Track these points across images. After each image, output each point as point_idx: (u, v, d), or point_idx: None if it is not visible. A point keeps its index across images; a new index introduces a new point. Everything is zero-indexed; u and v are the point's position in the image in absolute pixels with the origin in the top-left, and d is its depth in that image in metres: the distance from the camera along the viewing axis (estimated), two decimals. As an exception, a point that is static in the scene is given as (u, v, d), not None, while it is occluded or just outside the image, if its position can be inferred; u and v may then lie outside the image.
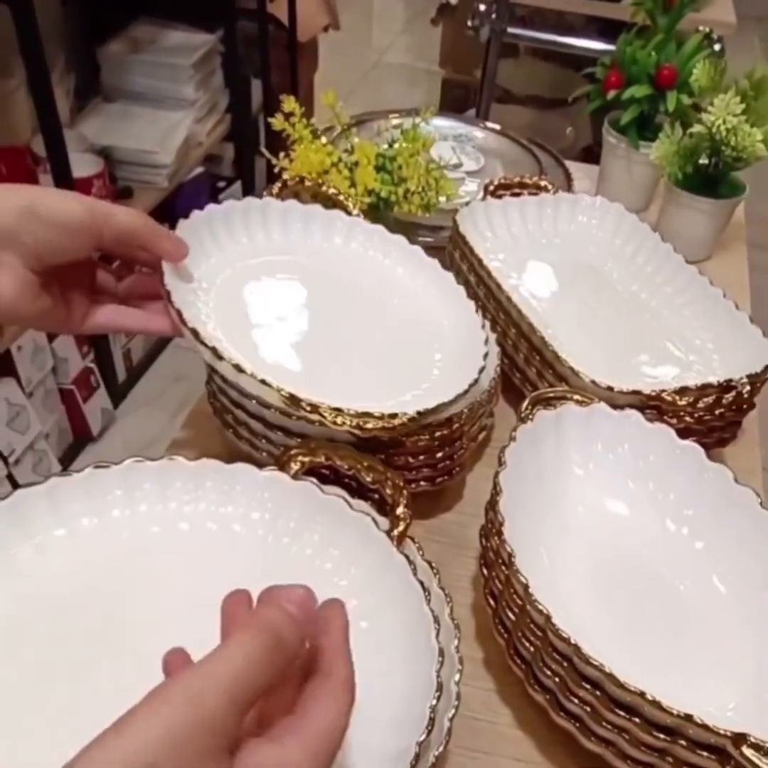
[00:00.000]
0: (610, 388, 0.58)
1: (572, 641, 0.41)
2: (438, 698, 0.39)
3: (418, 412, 0.50)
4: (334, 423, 0.49)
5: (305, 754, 0.29)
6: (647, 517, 0.52)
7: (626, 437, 0.54)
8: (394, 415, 0.50)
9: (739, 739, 0.37)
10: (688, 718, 0.38)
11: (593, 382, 0.58)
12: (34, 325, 0.51)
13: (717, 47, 1.39)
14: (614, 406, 0.56)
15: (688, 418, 0.59)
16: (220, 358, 0.49)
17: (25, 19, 1.30)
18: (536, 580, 0.44)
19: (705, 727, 0.38)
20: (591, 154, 1.76)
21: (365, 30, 3.46)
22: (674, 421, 0.58)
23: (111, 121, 1.79)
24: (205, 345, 0.49)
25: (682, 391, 0.58)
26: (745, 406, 0.61)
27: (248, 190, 2.14)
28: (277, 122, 0.69)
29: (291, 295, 0.61)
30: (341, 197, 0.63)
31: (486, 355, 0.58)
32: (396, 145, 0.70)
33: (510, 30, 1.34)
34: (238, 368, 0.49)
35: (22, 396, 1.47)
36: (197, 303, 0.55)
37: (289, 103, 0.68)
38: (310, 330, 0.59)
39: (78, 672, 0.42)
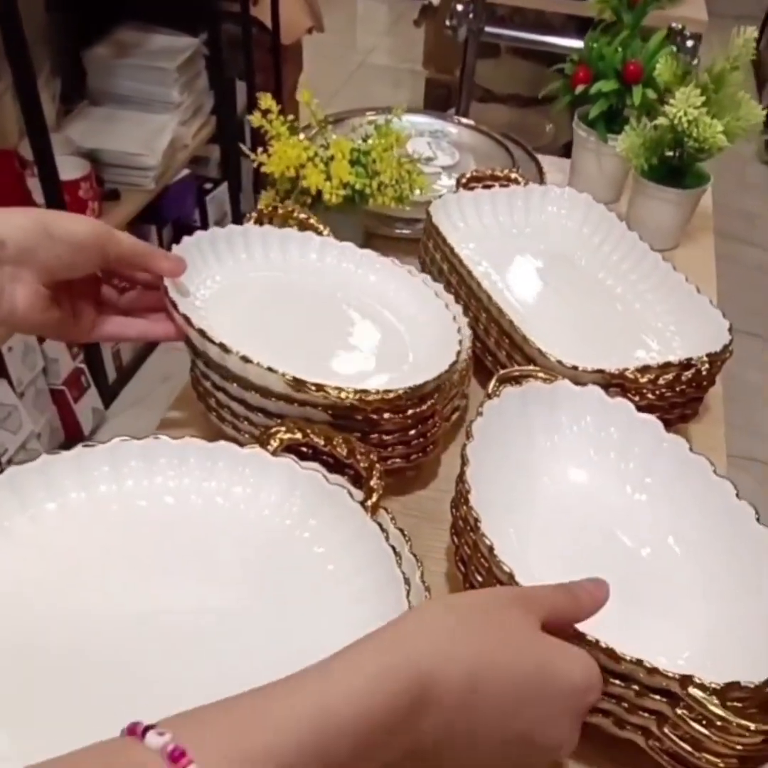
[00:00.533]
0: (575, 367, 0.61)
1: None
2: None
3: (410, 388, 0.55)
4: (339, 398, 0.54)
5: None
6: (609, 484, 0.55)
7: (588, 411, 0.57)
8: (389, 391, 0.55)
9: (686, 680, 0.40)
10: (639, 663, 0.41)
11: (559, 362, 0.61)
12: (46, 333, 0.57)
13: (690, 44, 1.43)
14: (578, 384, 0.59)
15: (649, 396, 0.62)
16: (228, 351, 0.55)
17: (11, 25, 1.33)
18: (503, 545, 0.47)
19: (654, 670, 0.41)
20: (570, 150, 1.79)
21: (349, 32, 3.49)
22: (637, 398, 0.61)
23: (97, 124, 1.81)
24: (213, 342, 0.55)
25: (644, 369, 0.61)
26: (705, 383, 0.64)
27: (235, 192, 2.17)
28: (255, 119, 0.71)
29: (275, 304, 0.66)
30: (312, 221, 0.69)
31: (461, 342, 0.62)
32: (370, 140, 0.73)
33: (487, 29, 1.37)
34: (245, 359, 0.54)
35: (13, 396, 1.49)
36: (197, 312, 0.61)
37: (266, 101, 0.71)
38: (295, 331, 0.65)
39: (70, 641, 0.44)
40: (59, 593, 0.46)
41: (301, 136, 0.77)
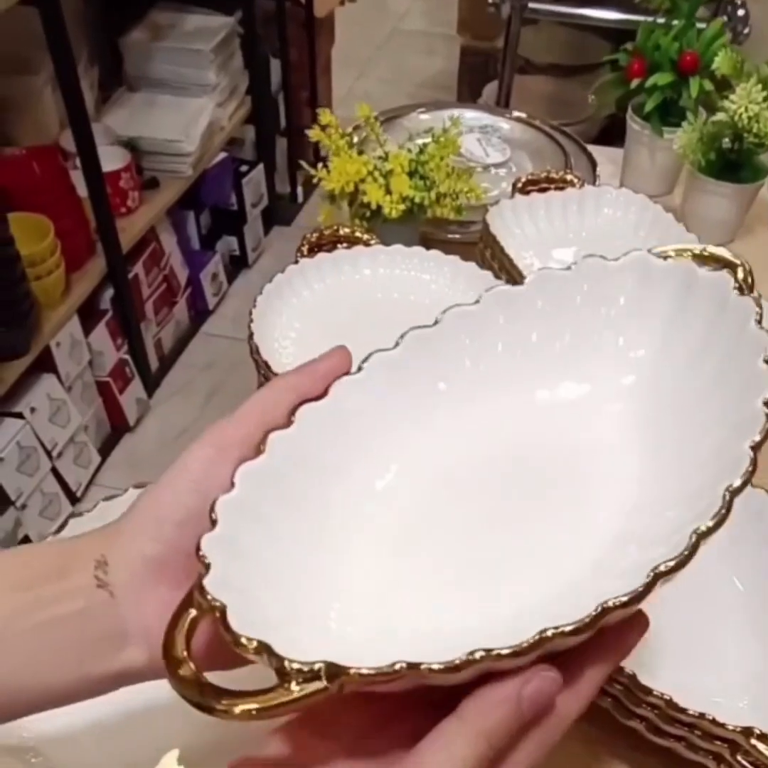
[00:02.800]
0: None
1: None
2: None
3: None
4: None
5: None
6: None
7: None
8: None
9: (747, 732, 0.42)
10: (702, 716, 0.43)
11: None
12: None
13: (740, 13, 1.38)
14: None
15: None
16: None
17: (53, 18, 1.33)
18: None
19: (716, 723, 0.43)
20: (615, 122, 1.75)
21: (380, -2, 3.42)
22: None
23: (135, 111, 1.82)
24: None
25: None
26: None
27: (270, 173, 2.16)
28: (314, 134, 0.72)
29: (348, 323, 0.67)
30: (357, 233, 0.69)
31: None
32: (427, 151, 0.73)
33: (531, 5, 1.35)
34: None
35: (62, 390, 1.53)
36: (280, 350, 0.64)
37: (325, 116, 0.71)
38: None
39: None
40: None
41: (355, 138, 0.77)
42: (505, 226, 0.76)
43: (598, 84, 0.96)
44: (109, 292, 1.65)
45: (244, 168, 2.04)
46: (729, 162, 0.84)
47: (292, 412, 0.33)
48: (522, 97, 1.67)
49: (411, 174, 0.72)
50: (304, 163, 0.72)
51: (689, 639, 0.51)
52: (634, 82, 0.86)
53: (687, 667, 0.50)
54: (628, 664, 0.45)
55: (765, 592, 0.52)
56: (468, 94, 2.41)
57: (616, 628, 0.27)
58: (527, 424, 0.37)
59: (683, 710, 0.44)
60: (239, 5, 1.90)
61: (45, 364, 1.47)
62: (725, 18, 1.33)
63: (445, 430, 0.37)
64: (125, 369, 1.73)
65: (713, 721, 0.43)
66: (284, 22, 2.03)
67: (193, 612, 0.28)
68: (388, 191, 0.70)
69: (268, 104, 2.10)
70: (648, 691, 0.44)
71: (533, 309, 0.38)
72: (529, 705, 0.25)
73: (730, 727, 0.43)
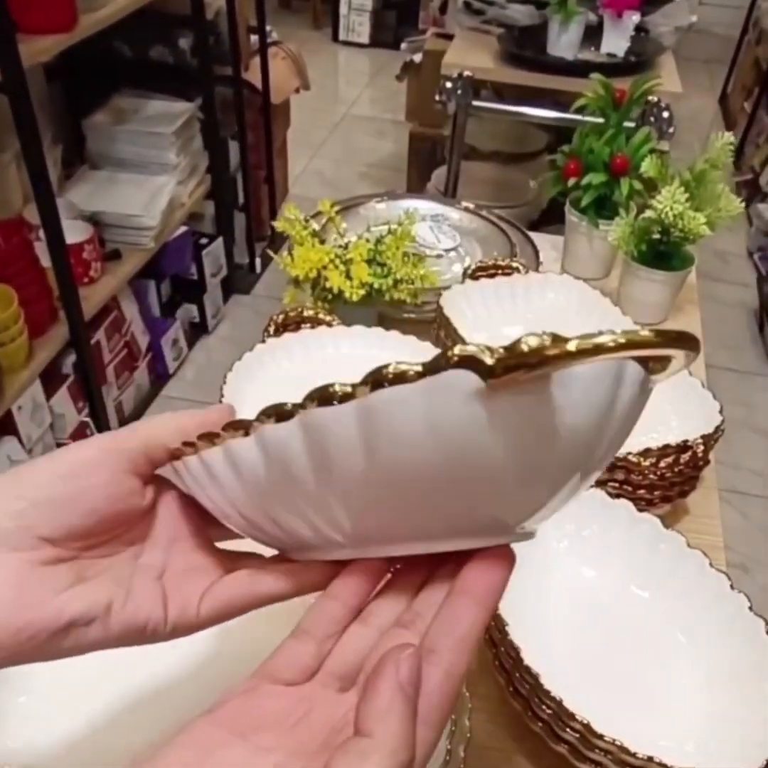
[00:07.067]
0: (583, 455, 0.67)
1: (557, 698, 0.49)
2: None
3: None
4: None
5: None
6: (614, 582, 0.61)
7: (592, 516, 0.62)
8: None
9: None
10: (650, 759, 0.46)
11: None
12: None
13: (665, 114, 1.52)
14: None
15: (652, 476, 0.68)
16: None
17: (19, 97, 1.38)
18: (525, 634, 0.52)
19: (663, 764, 0.47)
20: (554, 205, 1.87)
21: (332, 84, 3.60)
22: (640, 478, 0.67)
23: (97, 187, 1.87)
24: None
25: (645, 452, 0.68)
26: (700, 463, 0.71)
27: (229, 246, 2.23)
28: (279, 225, 0.78)
29: None
30: (321, 315, 0.76)
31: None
32: (385, 241, 0.80)
33: (475, 103, 1.46)
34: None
35: (23, 453, 1.53)
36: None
37: (291, 210, 0.77)
38: None
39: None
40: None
41: (316, 226, 0.83)
42: (457, 309, 0.82)
43: (540, 179, 1.05)
44: (72, 358, 1.67)
45: (204, 240, 2.11)
46: (659, 251, 0.93)
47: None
48: (468, 182, 1.78)
49: (369, 262, 0.78)
50: (269, 251, 0.78)
51: (638, 689, 0.56)
52: (571, 181, 0.95)
53: (637, 715, 0.54)
54: (582, 714, 0.49)
55: (704, 644, 0.57)
56: (417, 176, 2.54)
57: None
58: None
59: (633, 754, 0.47)
60: (200, 92, 1.99)
61: (7, 426, 1.48)
62: (652, 119, 1.46)
63: None
64: (86, 431, 1.73)
65: (661, 764, 0.47)
66: (242, 108, 2.13)
67: None
68: (349, 277, 0.76)
69: (226, 182, 2.18)
70: (601, 737, 0.48)
71: None
72: (409, 683, 0.26)
73: None
